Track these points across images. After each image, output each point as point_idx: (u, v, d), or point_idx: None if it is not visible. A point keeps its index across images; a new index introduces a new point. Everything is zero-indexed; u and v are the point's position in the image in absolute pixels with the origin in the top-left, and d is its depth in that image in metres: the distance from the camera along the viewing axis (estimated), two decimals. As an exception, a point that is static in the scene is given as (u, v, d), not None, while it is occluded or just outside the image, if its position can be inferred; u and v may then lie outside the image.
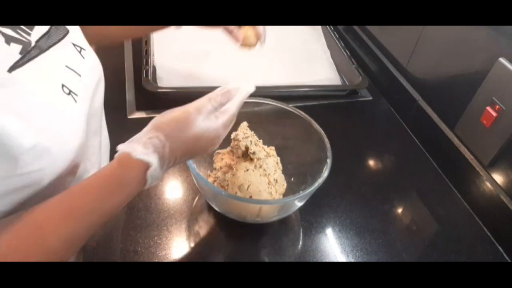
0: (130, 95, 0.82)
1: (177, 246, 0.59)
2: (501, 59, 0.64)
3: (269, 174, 0.62)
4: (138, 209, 0.63)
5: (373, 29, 1.04)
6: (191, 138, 0.45)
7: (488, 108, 0.66)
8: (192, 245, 0.60)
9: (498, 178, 0.66)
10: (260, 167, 0.61)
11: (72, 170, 0.46)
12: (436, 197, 0.73)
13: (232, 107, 0.49)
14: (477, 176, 0.69)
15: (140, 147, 0.42)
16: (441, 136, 0.78)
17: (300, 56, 0.99)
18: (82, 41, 0.53)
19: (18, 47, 0.41)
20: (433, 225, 0.68)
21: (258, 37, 0.72)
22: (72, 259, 0.60)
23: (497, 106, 0.64)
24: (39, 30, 0.45)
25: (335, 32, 1.06)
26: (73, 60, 0.49)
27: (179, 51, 0.94)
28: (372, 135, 0.85)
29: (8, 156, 0.37)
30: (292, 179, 0.66)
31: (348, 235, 0.64)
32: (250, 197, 0.58)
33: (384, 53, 0.99)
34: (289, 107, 0.66)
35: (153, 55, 0.89)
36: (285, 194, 0.65)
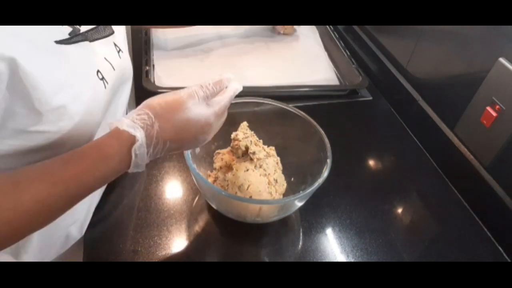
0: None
1: (177, 246, 0.59)
2: (501, 59, 0.64)
3: (269, 174, 0.62)
4: (138, 209, 0.63)
5: (373, 29, 1.04)
6: (180, 121, 0.45)
7: (488, 108, 0.66)
8: (192, 245, 0.60)
9: (498, 178, 0.66)
10: (260, 167, 0.61)
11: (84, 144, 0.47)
12: (436, 197, 0.73)
13: (225, 99, 0.50)
14: (477, 176, 0.69)
15: (127, 120, 0.43)
16: (441, 136, 0.78)
17: (300, 56, 0.99)
18: (123, 44, 0.58)
19: (69, 29, 0.45)
20: (433, 225, 0.68)
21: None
22: (72, 259, 0.60)
23: (497, 106, 0.64)
24: (88, 26, 0.49)
25: (335, 32, 1.06)
26: (111, 55, 0.54)
27: (179, 51, 0.94)
28: (372, 135, 0.85)
29: (33, 110, 0.40)
30: (292, 179, 0.66)
31: (348, 235, 0.64)
32: (250, 197, 0.58)
33: (384, 53, 0.99)
34: (289, 107, 0.66)
35: (152, 55, 0.90)
36: (285, 194, 0.64)
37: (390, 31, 0.98)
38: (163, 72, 0.86)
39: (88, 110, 0.46)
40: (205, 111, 0.47)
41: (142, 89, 0.79)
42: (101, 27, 0.52)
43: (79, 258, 0.59)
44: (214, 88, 0.48)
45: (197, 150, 0.64)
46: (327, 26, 1.09)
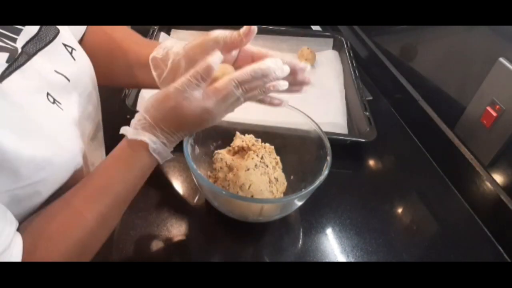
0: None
1: (177, 246, 0.59)
2: (501, 59, 0.63)
3: (269, 173, 0.62)
4: (138, 209, 0.63)
5: (373, 29, 1.04)
6: (176, 116, 0.45)
7: (488, 108, 0.66)
8: (192, 245, 0.60)
9: (498, 178, 0.66)
10: (261, 159, 0.61)
11: (76, 176, 0.46)
12: (436, 197, 0.73)
13: (222, 84, 0.45)
14: (477, 176, 0.69)
15: (130, 129, 0.45)
16: (441, 136, 0.78)
17: (313, 92, 0.91)
18: (73, 41, 0.51)
19: (5, 56, 0.39)
20: (433, 225, 0.68)
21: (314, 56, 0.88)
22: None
23: (497, 106, 0.64)
24: (27, 34, 0.43)
25: (356, 71, 0.93)
26: (63, 63, 0.47)
27: None
28: (372, 135, 0.85)
29: (8, 169, 0.37)
30: (292, 177, 0.66)
31: (348, 235, 0.64)
32: (252, 196, 0.58)
33: (384, 53, 0.99)
34: (289, 107, 0.66)
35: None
36: (285, 193, 0.65)
37: (390, 31, 0.98)
38: (148, 93, 0.83)
39: (62, 145, 0.43)
40: (198, 102, 0.44)
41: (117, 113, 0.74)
42: (42, 31, 0.44)
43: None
44: (204, 75, 0.43)
45: (197, 150, 0.63)
46: (349, 62, 0.96)
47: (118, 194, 0.45)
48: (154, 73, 0.55)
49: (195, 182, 0.61)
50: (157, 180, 0.68)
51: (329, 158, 0.58)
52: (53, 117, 0.43)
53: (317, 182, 0.55)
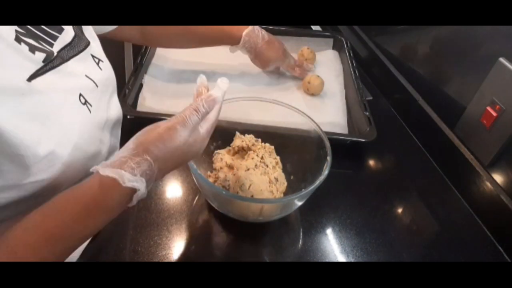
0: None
1: (177, 246, 0.59)
2: (501, 59, 0.63)
3: (269, 173, 0.62)
4: (138, 209, 0.63)
5: (374, 28, 1.04)
6: (178, 154, 0.44)
7: (488, 108, 0.66)
8: (192, 245, 0.60)
9: (498, 178, 0.66)
10: (262, 159, 0.61)
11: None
12: (436, 197, 0.73)
13: (214, 114, 0.48)
14: (477, 176, 0.69)
15: (127, 174, 0.39)
16: (441, 136, 0.78)
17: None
18: (101, 53, 0.55)
19: (42, 56, 0.42)
20: (433, 225, 0.68)
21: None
22: (71, 259, 0.60)
23: (497, 106, 0.64)
24: (62, 41, 0.46)
25: (356, 71, 0.93)
26: (92, 70, 0.51)
27: (173, 71, 0.90)
28: (372, 135, 0.85)
29: (21, 165, 0.38)
30: (292, 177, 0.66)
31: (348, 235, 0.64)
32: (252, 196, 0.58)
33: (384, 53, 0.99)
34: (289, 107, 0.66)
35: (145, 73, 0.88)
36: (285, 193, 0.64)
37: (390, 31, 0.98)
38: (149, 93, 0.83)
39: (77, 145, 0.44)
40: (200, 136, 0.46)
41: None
42: (75, 41, 0.48)
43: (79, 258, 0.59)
44: (207, 108, 0.45)
45: None
46: (349, 61, 0.96)
47: (68, 246, 0.40)
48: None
49: (195, 182, 0.61)
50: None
51: (329, 158, 0.58)
52: (79, 117, 0.45)
53: (317, 182, 0.55)
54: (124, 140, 0.45)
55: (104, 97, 0.54)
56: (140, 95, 0.82)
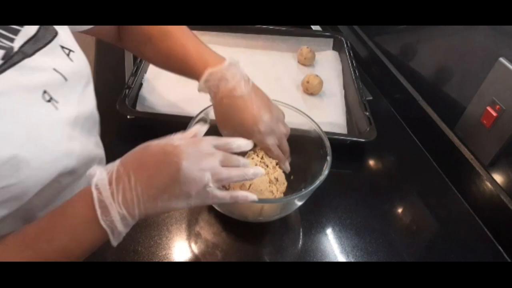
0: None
1: (177, 246, 0.59)
2: (501, 59, 0.63)
3: (269, 173, 0.62)
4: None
5: (374, 28, 1.04)
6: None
7: (489, 108, 0.66)
8: (192, 245, 0.60)
9: (498, 178, 0.66)
10: (262, 159, 0.60)
11: (66, 177, 0.45)
12: (436, 197, 0.73)
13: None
14: (477, 176, 0.69)
15: (120, 227, 0.42)
16: (441, 136, 0.78)
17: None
18: (71, 43, 0.50)
19: (1, 53, 0.39)
20: (433, 225, 0.68)
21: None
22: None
23: (498, 106, 0.64)
24: (25, 34, 0.42)
25: (356, 72, 0.93)
26: (60, 63, 0.46)
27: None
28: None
29: None
30: (292, 177, 0.66)
31: (348, 235, 0.64)
32: None
33: (384, 53, 0.99)
34: (288, 106, 0.66)
35: (145, 73, 0.87)
36: (285, 193, 0.64)
37: (390, 31, 0.98)
38: (149, 93, 0.82)
39: (44, 146, 0.41)
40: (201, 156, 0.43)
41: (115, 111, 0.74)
42: (41, 33, 0.44)
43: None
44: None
45: None
46: (349, 62, 0.96)
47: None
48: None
49: None
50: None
51: (329, 158, 0.58)
52: (44, 116, 0.42)
53: (317, 182, 0.55)
54: (124, 140, 0.45)
55: (75, 91, 0.49)
56: (140, 95, 0.82)
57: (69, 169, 0.45)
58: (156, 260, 0.57)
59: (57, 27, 0.47)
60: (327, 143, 0.60)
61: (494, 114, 0.65)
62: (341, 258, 0.61)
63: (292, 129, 0.67)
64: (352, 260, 0.61)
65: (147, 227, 0.60)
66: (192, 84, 0.60)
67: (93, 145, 0.55)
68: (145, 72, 0.88)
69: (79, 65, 0.50)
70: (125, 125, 0.76)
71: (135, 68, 0.85)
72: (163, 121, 0.74)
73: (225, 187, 0.61)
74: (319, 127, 0.63)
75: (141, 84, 0.85)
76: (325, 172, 0.56)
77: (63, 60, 0.47)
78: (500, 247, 0.65)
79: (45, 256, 0.39)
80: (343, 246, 0.62)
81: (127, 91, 0.79)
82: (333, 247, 0.62)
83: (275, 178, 0.62)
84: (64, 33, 0.49)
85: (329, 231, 0.64)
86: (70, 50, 0.49)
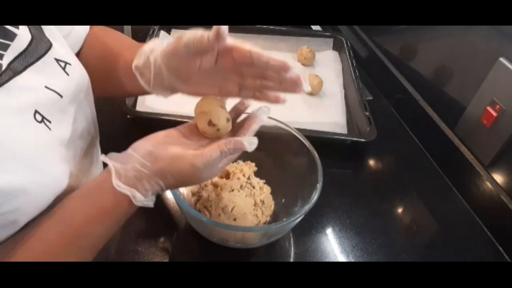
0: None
1: (177, 246, 0.59)
2: (501, 59, 0.63)
3: (256, 194, 0.59)
4: (138, 209, 0.63)
5: (374, 28, 1.04)
6: (189, 183, 0.46)
7: (489, 108, 0.66)
8: (193, 245, 0.60)
9: (498, 178, 0.66)
10: (248, 179, 0.58)
11: (62, 198, 0.43)
12: (436, 197, 0.73)
13: (234, 157, 0.47)
14: (477, 176, 0.69)
15: (139, 195, 0.41)
16: (441, 136, 0.78)
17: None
18: (67, 55, 0.47)
19: None
20: (433, 225, 0.68)
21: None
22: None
23: (498, 106, 0.64)
24: (15, 49, 0.40)
25: (356, 72, 0.93)
26: (55, 79, 0.44)
27: None
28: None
29: None
30: (283, 200, 0.63)
31: (348, 235, 0.64)
32: (235, 219, 0.56)
33: (384, 53, 0.99)
34: (283, 124, 0.62)
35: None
36: (274, 217, 0.61)
37: (390, 31, 0.98)
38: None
39: (37, 169, 0.39)
40: (216, 171, 0.45)
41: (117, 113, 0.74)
42: (32, 47, 0.42)
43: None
44: (232, 153, 0.44)
45: None
46: (349, 62, 0.96)
47: (89, 248, 0.42)
48: (141, 81, 0.50)
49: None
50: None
51: (318, 186, 0.54)
52: (36, 139, 0.40)
53: (302, 212, 0.52)
54: (124, 140, 0.45)
55: (71, 107, 0.47)
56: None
57: (67, 191, 0.44)
58: (156, 260, 0.57)
59: (51, 39, 0.45)
60: (320, 168, 0.56)
61: (494, 114, 0.65)
62: (341, 258, 0.61)
63: (289, 149, 0.63)
64: (352, 260, 0.61)
65: (147, 227, 0.60)
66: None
67: (92, 162, 0.54)
68: None
69: (76, 79, 0.48)
70: (125, 125, 0.77)
71: None
72: (163, 121, 0.74)
73: (207, 208, 0.58)
74: (314, 149, 0.59)
75: None
76: (312, 200, 0.52)
77: (58, 75, 0.45)
78: (500, 247, 0.65)
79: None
80: (343, 246, 0.62)
81: None
82: (333, 247, 0.62)
83: (261, 200, 0.59)
84: (59, 45, 0.47)
85: (329, 231, 0.64)
86: (66, 63, 0.46)
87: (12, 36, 0.40)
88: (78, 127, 0.49)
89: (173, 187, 0.45)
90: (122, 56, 0.54)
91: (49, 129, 0.42)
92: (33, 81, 0.41)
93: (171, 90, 0.50)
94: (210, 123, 0.45)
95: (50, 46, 0.44)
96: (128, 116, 0.74)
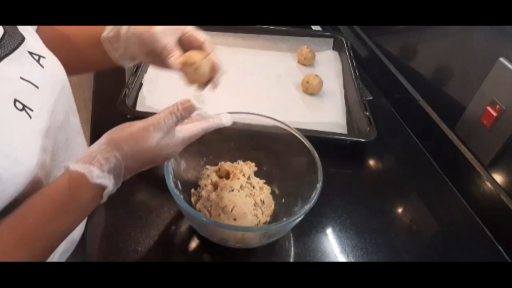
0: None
1: (177, 246, 0.59)
2: (501, 59, 0.63)
3: (256, 194, 0.59)
4: (138, 209, 0.63)
5: (374, 28, 1.04)
6: (149, 155, 0.44)
7: (489, 108, 0.66)
8: (193, 245, 0.60)
9: (498, 178, 0.66)
10: (248, 179, 0.58)
11: (34, 190, 0.43)
12: (436, 197, 0.73)
13: (198, 128, 0.47)
14: (477, 176, 0.69)
15: (96, 169, 0.40)
16: (441, 136, 0.78)
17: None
18: (41, 48, 0.49)
19: None
20: (433, 225, 0.68)
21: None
22: (72, 259, 0.60)
23: (498, 106, 0.64)
24: None
25: (356, 71, 0.93)
26: (29, 70, 0.45)
27: (173, 71, 0.88)
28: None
29: None
30: (283, 200, 0.63)
31: (348, 235, 0.64)
32: (235, 219, 0.56)
33: (384, 53, 0.99)
34: (283, 124, 0.62)
35: (145, 73, 0.87)
36: (274, 217, 0.62)
37: (390, 31, 0.98)
38: (149, 93, 0.82)
39: (16, 159, 0.39)
40: (173, 141, 0.45)
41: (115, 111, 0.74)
42: (6, 39, 0.43)
43: (79, 258, 0.59)
44: (183, 113, 0.44)
45: (183, 165, 0.62)
46: (349, 62, 0.96)
47: (46, 245, 0.41)
48: (109, 52, 0.56)
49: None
50: (157, 179, 0.67)
51: (318, 186, 0.54)
52: (15, 126, 0.41)
53: (302, 212, 0.52)
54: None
55: (49, 99, 0.47)
56: (140, 95, 0.82)
57: (40, 181, 0.44)
58: (156, 260, 0.57)
59: (24, 33, 0.46)
60: (320, 168, 0.56)
61: (494, 114, 0.65)
62: (341, 258, 0.61)
63: (289, 150, 0.63)
64: (352, 260, 0.61)
65: (147, 227, 0.60)
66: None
67: (72, 154, 0.54)
68: (145, 72, 0.88)
69: (51, 71, 0.48)
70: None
71: (135, 68, 0.85)
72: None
73: (206, 208, 0.58)
74: (313, 149, 0.59)
75: (141, 84, 0.85)
76: (312, 201, 0.52)
77: (33, 67, 0.45)
78: (500, 247, 0.65)
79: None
80: (343, 246, 0.62)
81: (127, 91, 0.79)
82: (333, 247, 0.62)
83: (261, 200, 0.59)
84: (32, 39, 0.48)
85: (329, 231, 0.64)
86: (40, 56, 0.47)
87: None
88: (58, 119, 0.49)
89: (131, 160, 0.43)
90: (79, 35, 0.58)
91: (30, 117, 0.42)
92: (8, 72, 0.42)
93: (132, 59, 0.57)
94: (189, 61, 0.48)
95: (23, 39, 0.45)
96: (128, 116, 0.74)
